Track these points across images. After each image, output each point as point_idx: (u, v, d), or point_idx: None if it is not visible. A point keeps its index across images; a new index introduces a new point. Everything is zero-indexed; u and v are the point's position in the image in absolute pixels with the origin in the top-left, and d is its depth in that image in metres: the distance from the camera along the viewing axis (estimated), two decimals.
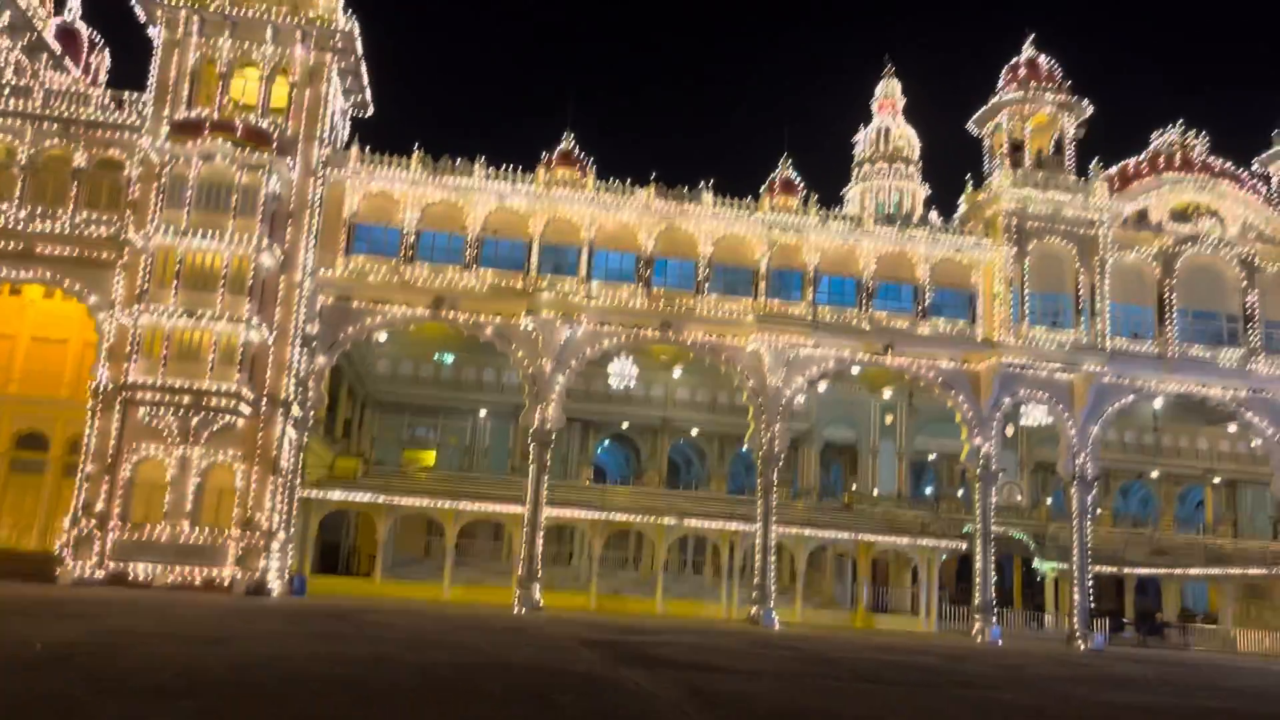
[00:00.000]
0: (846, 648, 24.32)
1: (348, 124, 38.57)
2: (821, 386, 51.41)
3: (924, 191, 70.36)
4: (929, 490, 55.80)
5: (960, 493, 52.21)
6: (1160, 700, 15.71)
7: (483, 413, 51.74)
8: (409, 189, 35.25)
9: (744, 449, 48.55)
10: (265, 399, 31.76)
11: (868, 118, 75.58)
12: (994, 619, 36.74)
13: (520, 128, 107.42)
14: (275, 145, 32.31)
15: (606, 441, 57.59)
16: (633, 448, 56.78)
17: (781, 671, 16.49)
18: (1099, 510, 55.91)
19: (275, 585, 31.71)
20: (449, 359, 47.50)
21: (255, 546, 30.74)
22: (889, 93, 74.61)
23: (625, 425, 53.82)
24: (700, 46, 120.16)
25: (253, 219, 31.41)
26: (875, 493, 51.66)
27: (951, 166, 40.79)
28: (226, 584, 30.09)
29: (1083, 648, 35.88)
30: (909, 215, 53.23)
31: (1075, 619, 37.29)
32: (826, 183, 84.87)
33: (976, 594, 37.26)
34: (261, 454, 31.46)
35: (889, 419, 53.40)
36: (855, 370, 39.16)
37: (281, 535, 32.54)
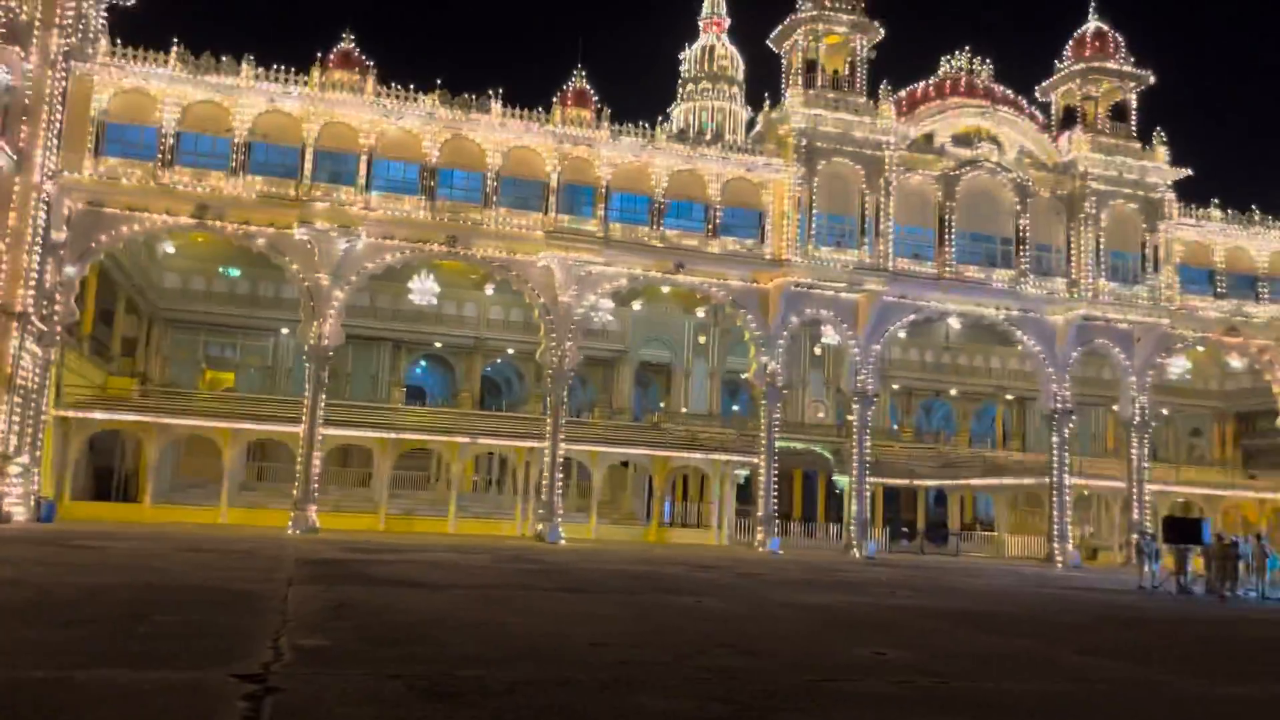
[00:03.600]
0: (599, 561, 24.42)
1: (103, 14, 35.22)
2: (636, 305, 51.71)
3: (746, 113, 70.58)
4: (736, 409, 56.92)
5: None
6: (849, 600, 16.19)
7: (284, 331, 49.48)
8: (168, 86, 32.69)
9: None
10: None
11: (696, 36, 75.02)
12: (775, 530, 37.84)
13: (302, 32, 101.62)
14: (4, 33, 29.13)
15: (424, 362, 56.34)
16: (450, 369, 55.69)
17: (485, 584, 16.23)
18: (897, 427, 58.59)
19: (16, 511, 29.56)
20: (234, 273, 45.10)
21: None
22: (715, 11, 74.07)
23: (438, 345, 52.68)
24: None
25: None
26: (683, 410, 52.37)
27: (776, 89, 40.50)
28: None
29: (857, 555, 37.46)
30: (712, 134, 52.79)
31: (852, 528, 38.80)
32: (657, 101, 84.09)
33: (759, 507, 38.24)
34: None
35: (702, 339, 54.00)
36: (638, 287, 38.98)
37: (24, 458, 30.28)
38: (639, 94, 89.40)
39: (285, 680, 6.93)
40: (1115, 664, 10.26)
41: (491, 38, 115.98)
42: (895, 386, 58.05)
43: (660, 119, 37.52)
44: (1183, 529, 23.48)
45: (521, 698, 6.89)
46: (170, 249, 42.82)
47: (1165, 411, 61.18)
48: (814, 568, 27.55)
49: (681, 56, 73.82)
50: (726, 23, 73.59)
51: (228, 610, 10.95)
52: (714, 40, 73.07)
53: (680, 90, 73.15)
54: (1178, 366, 46.33)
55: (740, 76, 72.46)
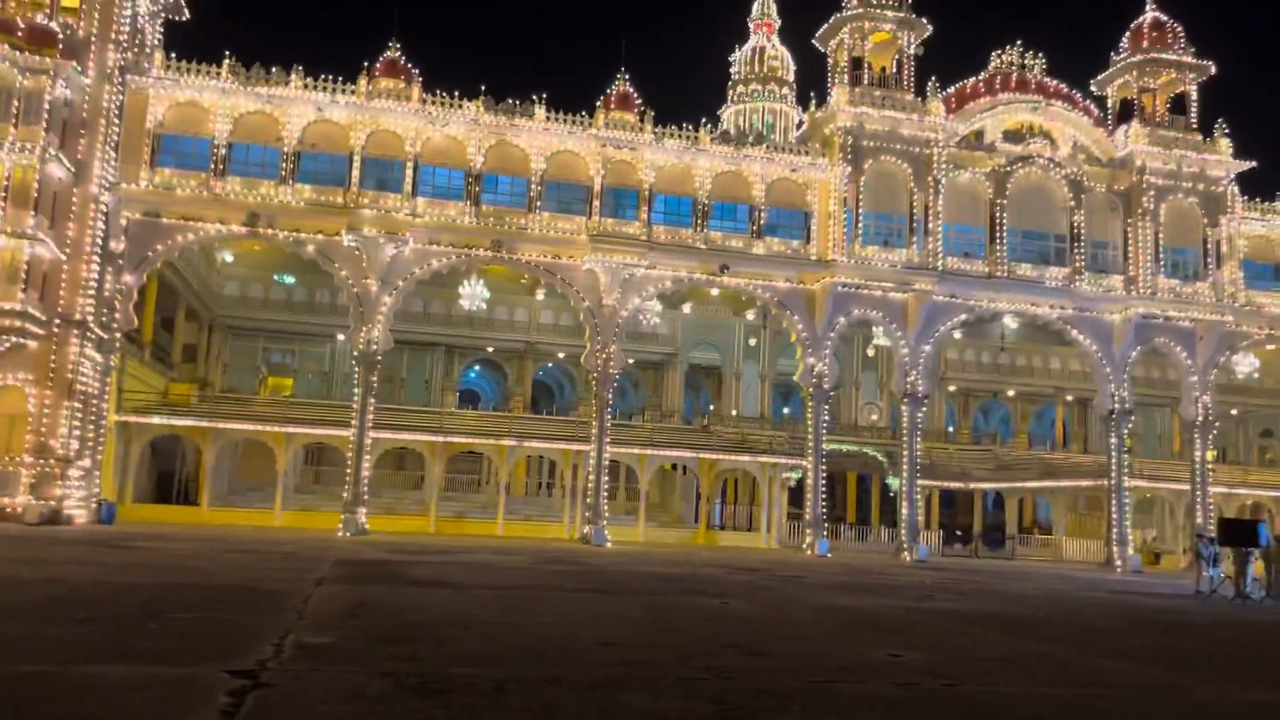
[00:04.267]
0: (638, 563, 24.39)
1: (159, 28, 36.27)
2: (686, 308, 51.71)
3: (797, 114, 70.06)
4: (787, 411, 56.55)
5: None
6: (883, 603, 15.94)
7: (340, 337, 50.31)
8: (219, 98, 33.48)
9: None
10: (59, 319, 30.11)
11: (745, 38, 74.75)
12: (824, 533, 37.46)
13: (350, 39, 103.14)
14: (63, 47, 30.13)
15: (477, 367, 56.93)
16: (503, 373, 56.18)
17: (515, 585, 16.29)
18: (953, 429, 57.67)
19: (79, 514, 30.49)
20: (290, 280, 46.01)
21: (50, 474, 29.40)
22: (765, 12, 73.77)
23: (490, 349, 53.19)
24: None
25: (38, 126, 29.39)
26: (734, 413, 52.18)
27: (826, 89, 40.17)
28: (19, 513, 28.75)
29: (908, 559, 36.91)
30: (756, 135, 52.43)
31: (904, 531, 38.26)
32: (708, 104, 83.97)
33: (807, 510, 37.90)
34: (55, 377, 29.95)
35: (752, 341, 53.80)
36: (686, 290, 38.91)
37: (86, 462, 31.22)
38: (689, 98, 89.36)
39: (276, 676, 7.01)
40: (1138, 668, 9.95)
41: (537, 44, 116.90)
42: (951, 388, 57.19)
43: (704, 121, 37.31)
44: (1238, 531, 22.70)
45: (509, 696, 6.89)
46: (229, 257, 43.95)
47: (1235, 412, 59.41)
48: (859, 571, 27.19)
49: (731, 59, 73.65)
50: (776, 24, 73.24)
51: (247, 609, 11.14)
52: (764, 41, 72.75)
53: (730, 92, 72.96)
54: (1246, 365, 44.85)
55: (791, 77, 72.03)
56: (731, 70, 73.44)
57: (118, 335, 32.75)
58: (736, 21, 75.57)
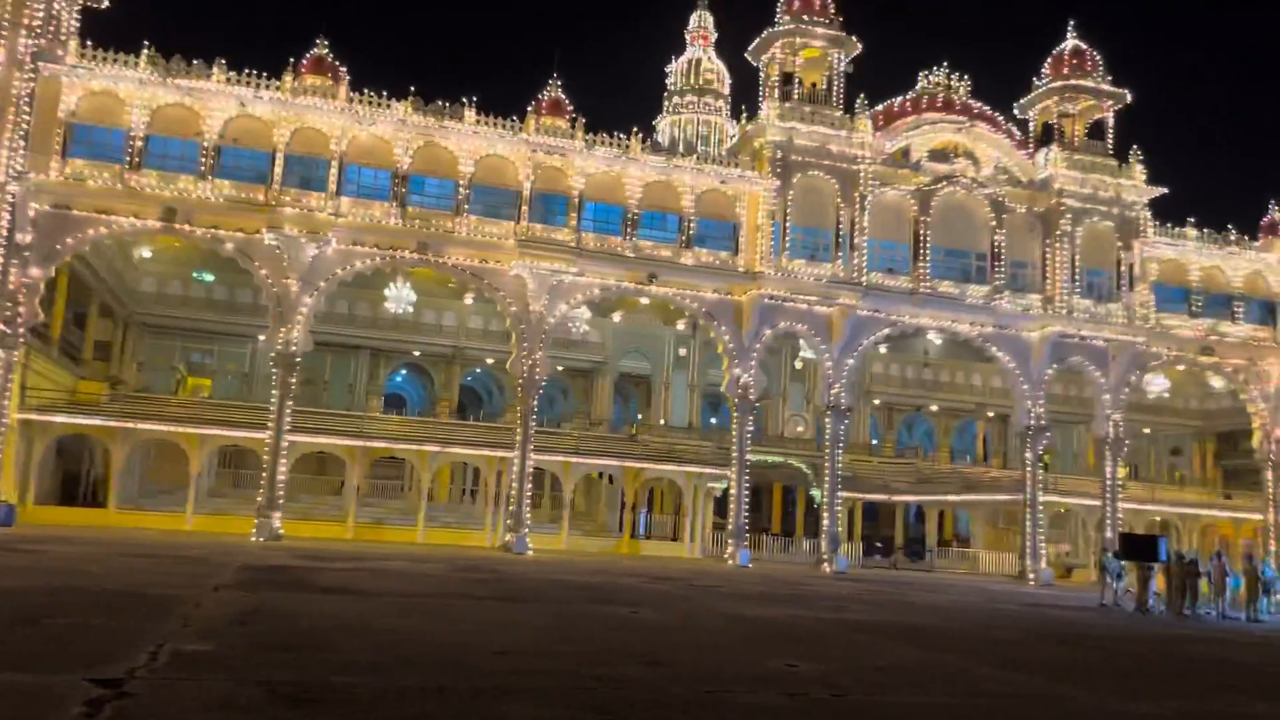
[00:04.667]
0: (556, 572, 24.19)
1: (75, 15, 35.04)
2: (616, 317, 51.59)
3: (731, 127, 70.52)
4: (715, 421, 56.75)
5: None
6: (793, 613, 15.99)
7: (261, 338, 49.02)
8: (137, 89, 32.48)
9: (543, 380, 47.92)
10: None
11: (682, 49, 75.13)
12: (745, 543, 37.60)
13: (277, 36, 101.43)
14: None
15: (404, 371, 56.11)
16: (430, 378, 55.41)
17: (422, 593, 16.00)
18: (877, 442, 58.45)
19: None
20: (209, 278, 44.87)
21: None
22: (701, 25, 74.18)
23: (417, 354, 52.45)
24: None
25: None
26: (663, 423, 52.21)
27: (758, 103, 40.35)
28: None
29: (828, 570, 37.22)
30: (686, 147, 52.74)
31: (824, 543, 38.58)
32: (644, 113, 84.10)
33: (729, 520, 38.01)
34: None
35: (682, 351, 53.82)
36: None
37: None
38: (625, 107, 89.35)
39: (142, 685, 6.73)
40: (1027, 678, 10.08)
41: (470, 48, 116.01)
42: (876, 402, 57.93)
43: (635, 131, 37.17)
44: (1139, 546, 23.33)
45: (384, 706, 6.70)
46: (147, 253, 42.57)
47: (1146, 430, 61.20)
48: (777, 581, 27.34)
49: (668, 69, 73.91)
50: (713, 36, 73.70)
51: (130, 615, 10.73)
52: (700, 54, 73.16)
53: (666, 103, 73.23)
54: (1157, 385, 46.21)
55: (726, 90, 72.55)
56: (668, 81, 73.73)
57: (21, 330, 31.53)
58: (673, 32, 75.91)
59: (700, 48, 73.52)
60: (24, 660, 7.57)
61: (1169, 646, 15.21)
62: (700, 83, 72.34)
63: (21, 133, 30.64)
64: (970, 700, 8.53)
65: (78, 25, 34.74)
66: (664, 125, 72.09)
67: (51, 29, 32.55)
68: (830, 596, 21.38)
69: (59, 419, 35.11)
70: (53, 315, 37.07)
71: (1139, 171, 41.70)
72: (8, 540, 23.23)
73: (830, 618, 15.78)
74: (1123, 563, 25.40)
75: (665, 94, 73.31)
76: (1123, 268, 41.24)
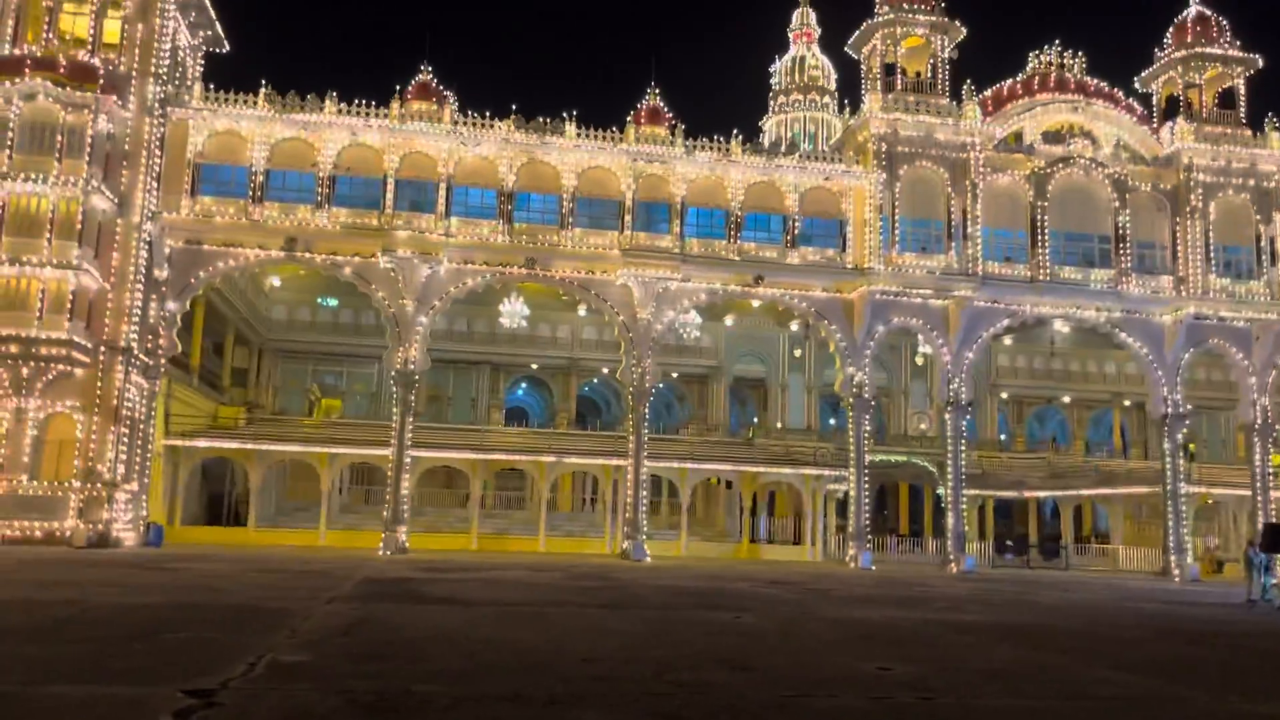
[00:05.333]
0: (669, 577, 24.21)
1: (200, 61, 37.20)
2: (729, 321, 51.51)
3: (839, 122, 69.47)
4: (834, 422, 55.88)
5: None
6: (901, 615, 15.60)
7: (385, 358, 50.99)
8: (256, 126, 34.18)
9: (659, 386, 47.97)
10: (104, 346, 30.89)
11: (785, 48, 74.51)
12: (868, 545, 36.87)
13: (384, 63, 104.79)
14: (103, 82, 31.04)
15: (524, 384, 57.24)
16: (550, 390, 56.37)
17: (526, 601, 16.25)
18: (1006, 436, 56.54)
19: (127, 536, 31.19)
20: (333, 302, 46.76)
21: (97, 498, 30.11)
22: (804, 22, 73.42)
23: (534, 366, 53.44)
24: None
25: (80, 160, 30.26)
26: (780, 426, 51.74)
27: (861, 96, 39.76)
28: (68, 536, 29.47)
29: (955, 570, 36.18)
30: (788, 144, 52.08)
31: (950, 543, 37.52)
32: (749, 114, 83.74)
33: (850, 521, 37.36)
34: (102, 403, 30.70)
35: (797, 352, 53.28)
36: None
37: (134, 486, 31.95)
38: (729, 109, 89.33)
39: (232, 696, 7.04)
40: (1141, 679, 9.57)
41: (569, 60, 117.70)
42: (1004, 395, 56.05)
43: (734, 133, 37.04)
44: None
45: (458, 712, 6.84)
46: (277, 282, 44.76)
47: None
48: (897, 583, 26.71)
49: (772, 69, 73.39)
50: (816, 33, 72.85)
51: (242, 628, 11.24)
52: (804, 51, 72.40)
53: (772, 103, 72.69)
54: None
55: (832, 86, 71.58)
56: (772, 81, 73.19)
57: (163, 361, 33.48)
58: (777, 32, 75.31)
59: (804, 45, 72.74)
60: (129, 672, 8.02)
61: None
62: (805, 80, 71.56)
63: (154, 174, 32.57)
64: (1071, 703, 8.16)
65: (202, 69, 36.83)
66: (770, 125, 71.56)
67: (178, 75, 34.51)
68: (948, 597, 20.76)
69: (201, 443, 37.12)
70: (191, 345, 39.31)
71: (1276, 139, 39.31)
72: (155, 559, 24.65)
73: (941, 619, 15.32)
74: (1269, 555, 23.83)
75: (770, 94, 72.80)
76: (1263, 243, 38.90)
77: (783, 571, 30.33)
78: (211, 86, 34.49)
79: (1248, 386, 39.13)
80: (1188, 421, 40.07)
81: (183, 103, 33.64)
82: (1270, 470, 40.00)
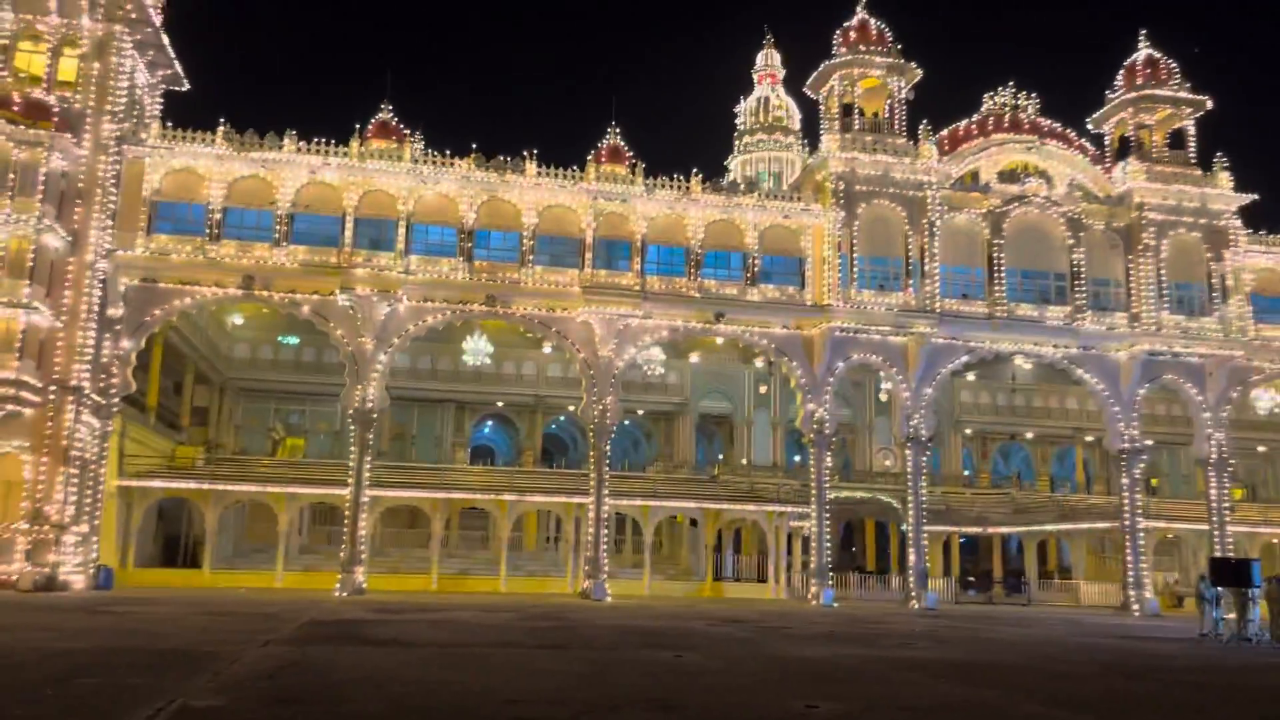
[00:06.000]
0: (623, 617, 23.99)
1: (158, 99, 37.09)
2: (694, 358, 51.58)
3: (803, 162, 70.29)
4: (798, 459, 55.88)
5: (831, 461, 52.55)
6: (848, 652, 15.50)
7: None
8: (214, 164, 34.05)
9: (625, 423, 47.56)
10: (55, 385, 30.44)
11: (750, 89, 75.41)
12: (829, 582, 36.75)
13: (344, 101, 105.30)
14: (58, 120, 30.88)
15: (490, 422, 56.88)
16: (515, 428, 56.07)
17: (468, 642, 16.01)
18: (970, 473, 56.77)
19: (76, 579, 30.54)
20: (293, 340, 46.42)
21: (45, 540, 29.51)
22: (769, 63, 74.44)
23: (499, 404, 53.15)
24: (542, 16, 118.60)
25: (33, 198, 29.99)
26: (745, 462, 51.71)
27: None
28: (15, 580, 28.82)
29: (916, 606, 36.11)
30: (745, 185, 52.63)
31: (911, 579, 37.48)
32: (716, 154, 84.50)
33: (812, 559, 37.27)
34: (51, 444, 30.19)
35: (763, 389, 53.35)
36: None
37: (83, 528, 31.34)
38: (695, 150, 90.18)
39: None
40: (1066, 715, 9.53)
41: (532, 100, 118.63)
42: (968, 431, 56.35)
43: (696, 172, 37.33)
44: (1229, 570, 21.99)
45: None
46: (239, 320, 44.41)
47: (1262, 449, 58.10)
48: (855, 620, 26.61)
49: (737, 110, 74.22)
50: (781, 74, 73.83)
51: (163, 672, 10.99)
52: (769, 92, 73.31)
53: (737, 143, 73.43)
54: (1266, 400, 43.88)
55: (796, 126, 72.43)
56: (737, 121, 74.01)
57: (116, 400, 33.02)
58: (742, 72, 76.23)
59: (769, 86, 73.68)
60: None
61: (1242, 677, 14.22)
62: (770, 120, 72.40)
63: (109, 212, 32.32)
64: None
65: (160, 107, 36.72)
66: (736, 165, 72.23)
67: (135, 113, 34.39)
68: (901, 635, 20.69)
69: (155, 484, 36.55)
70: (149, 384, 38.80)
71: (1225, 179, 40.06)
72: (100, 603, 24.15)
73: (888, 656, 15.24)
74: (1220, 589, 23.95)
75: (736, 134, 73.56)
76: (1214, 279, 39.53)
77: (743, 610, 30.14)
78: (169, 124, 34.40)
79: (1202, 421, 39.59)
80: (1145, 456, 40.41)
81: (139, 140, 33.48)
82: (1228, 504, 40.38)
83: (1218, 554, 37.84)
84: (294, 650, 13.57)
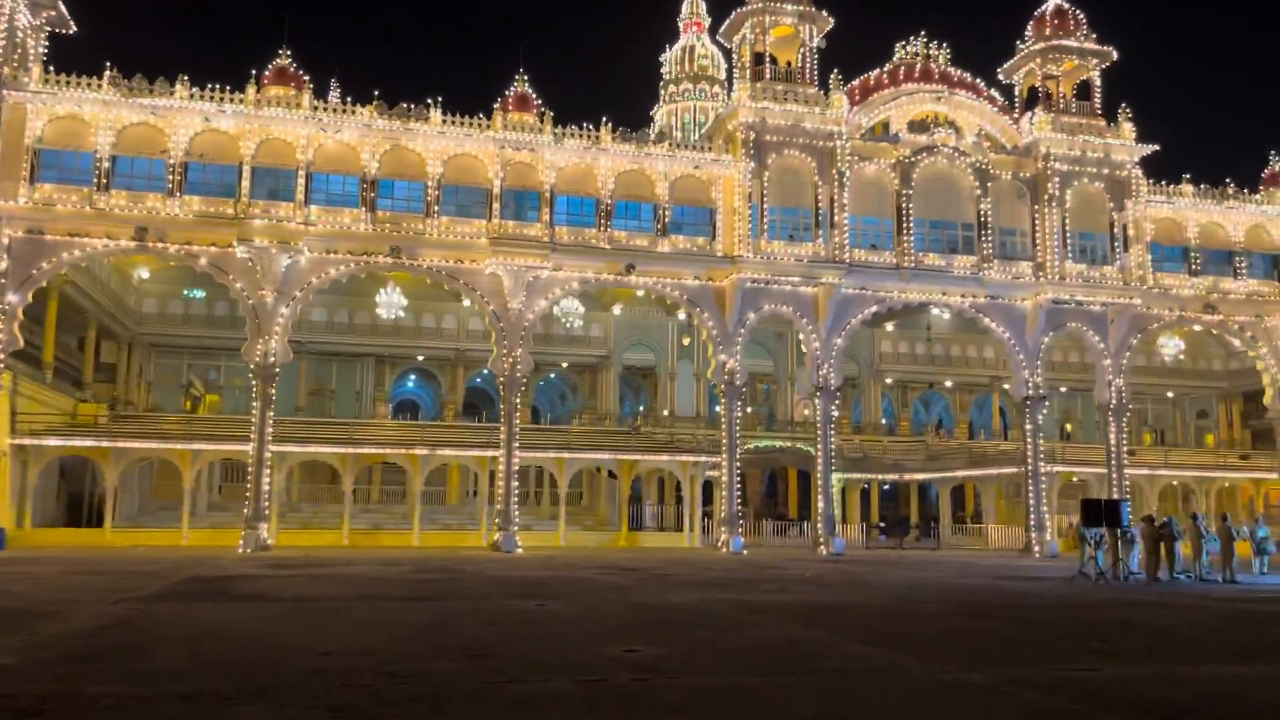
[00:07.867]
0: (519, 568, 24.00)
1: (43, 42, 35.42)
2: (616, 310, 51.43)
3: None
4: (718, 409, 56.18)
5: (759, 409, 53.06)
6: (713, 598, 15.64)
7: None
8: (101, 111, 32.77)
9: (551, 376, 47.10)
10: None
11: (676, 37, 74.69)
12: (739, 530, 37.16)
13: (242, 48, 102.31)
14: None
15: (414, 376, 56.32)
16: (438, 382, 55.57)
17: (334, 596, 15.86)
18: (889, 421, 57.67)
19: None
20: (200, 295, 45.32)
21: None
22: (694, 11, 73.81)
23: (420, 358, 52.63)
24: None
25: None
26: (668, 413, 51.95)
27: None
28: None
29: (824, 552, 36.71)
30: (659, 133, 52.34)
31: (820, 525, 38.06)
32: (644, 106, 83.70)
33: (722, 507, 37.63)
34: None
35: (686, 340, 53.51)
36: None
37: None
38: (625, 99, 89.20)
39: None
40: (884, 653, 9.69)
41: (444, 48, 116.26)
42: (888, 380, 57.21)
43: (605, 121, 36.82)
44: (1099, 511, 22.64)
45: (117, 714, 6.51)
46: (145, 274, 43.19)
47: (1170, 395, 59.90)
48: (755, 565, 26.95)
49: (662, 59, 73.55)
50: (706, 22, 73.22)
51: None
52: (694, 40, 72.76)
53: (663, 92, 72.89)
54: (1171, 347, 45.12)
55: (722, 75, 72.03)
56: (663, 70, 73.41)
57: (4, 356, 31.93)
58: (669, 21, 75.40)
59: (694, 34, 73.12)
60: None
61: (1093, 613, 14.64)
62: (695, 70, 71.95)
63: None
64: (791, 678, 8.19)
65: (45, 51, 35.14)
66: (660, 115, 71.75)
67: (16, 57, 32.90)
68: (787, 579, 20.98)
69: (52, 442, 35.52)
70: (45, 340, 37.62)
71: (1128, 130, 40.65)
72: None
73: (753, 600, 15.41)
74: (1102, 530, 24.66)
75: (661, 83, 72.99)
76: (1116, 229, 40.25)
77: (648, 559, 30.34)
78: (53, 69, 32.97)
79: (1103, 368, 40.53)
80: (1046, 403, 41.33)
81: (20, 85, 32.09)
82: (1127, 448, 41.54)
83: (1100, 496, 38.96)
84: (139, 608, 13.30)
